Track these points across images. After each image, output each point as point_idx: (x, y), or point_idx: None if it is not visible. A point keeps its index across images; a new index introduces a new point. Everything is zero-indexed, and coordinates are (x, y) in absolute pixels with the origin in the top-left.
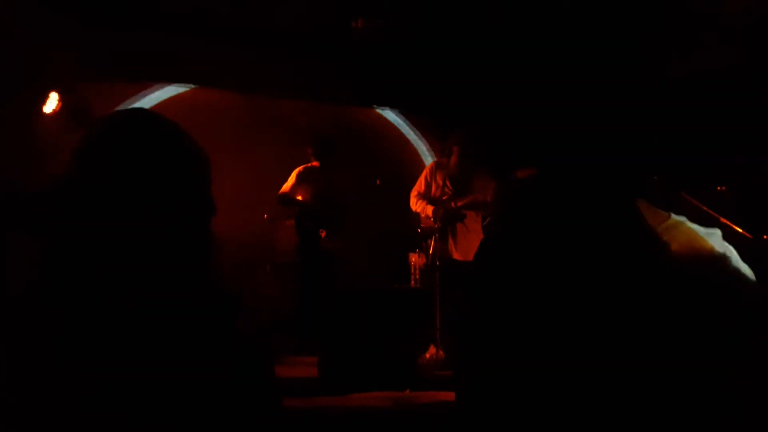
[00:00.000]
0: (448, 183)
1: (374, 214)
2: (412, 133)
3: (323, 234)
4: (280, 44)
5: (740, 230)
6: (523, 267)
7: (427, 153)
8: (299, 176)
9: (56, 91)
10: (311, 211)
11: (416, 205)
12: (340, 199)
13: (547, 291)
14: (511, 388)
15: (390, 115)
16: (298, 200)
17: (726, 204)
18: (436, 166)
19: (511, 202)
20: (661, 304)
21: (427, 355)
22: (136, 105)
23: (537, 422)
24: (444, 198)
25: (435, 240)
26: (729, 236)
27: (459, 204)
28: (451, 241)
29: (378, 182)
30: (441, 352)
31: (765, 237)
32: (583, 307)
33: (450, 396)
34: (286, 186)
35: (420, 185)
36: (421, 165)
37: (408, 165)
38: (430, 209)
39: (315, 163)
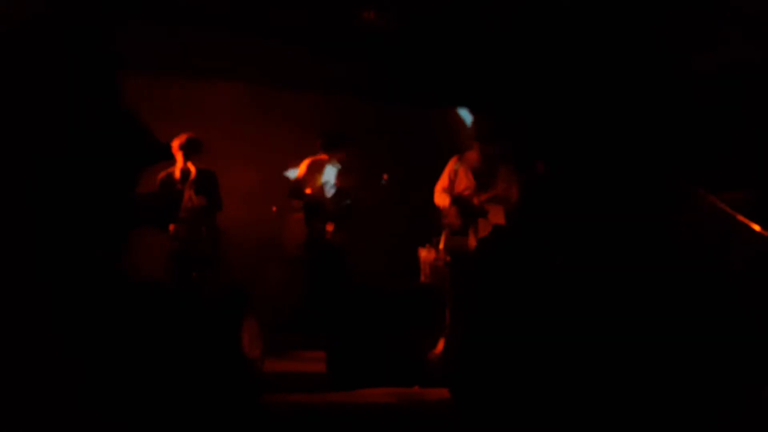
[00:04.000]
0: (471, 177)
1: (384, 208)
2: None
3: (330, 228)
4: (290, 36)
5: (758, 229)
6: (530, 260)
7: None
8: (309, 168)
9: None
10: (319, 204)
11: (440, 200)
12: (349, 192)
13: (554, 285)
14: (512, 379)
15: None
16: (307, 194)
17: (744, 202)
18: (460, 160)
19: (529, 195)
20: (674, 304)
21: (437, 352)
22: None
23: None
24: (467, 193)
25: (446, 235)
26: (747, 235)
27: (482, 198)
28: (472, 237)
29: (385, 177)
30: None
31: None
32: (590, 303)
33: None
34: (297, 177)
35: (444, 180)
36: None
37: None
38: (452, 207)
39: (324, 156)
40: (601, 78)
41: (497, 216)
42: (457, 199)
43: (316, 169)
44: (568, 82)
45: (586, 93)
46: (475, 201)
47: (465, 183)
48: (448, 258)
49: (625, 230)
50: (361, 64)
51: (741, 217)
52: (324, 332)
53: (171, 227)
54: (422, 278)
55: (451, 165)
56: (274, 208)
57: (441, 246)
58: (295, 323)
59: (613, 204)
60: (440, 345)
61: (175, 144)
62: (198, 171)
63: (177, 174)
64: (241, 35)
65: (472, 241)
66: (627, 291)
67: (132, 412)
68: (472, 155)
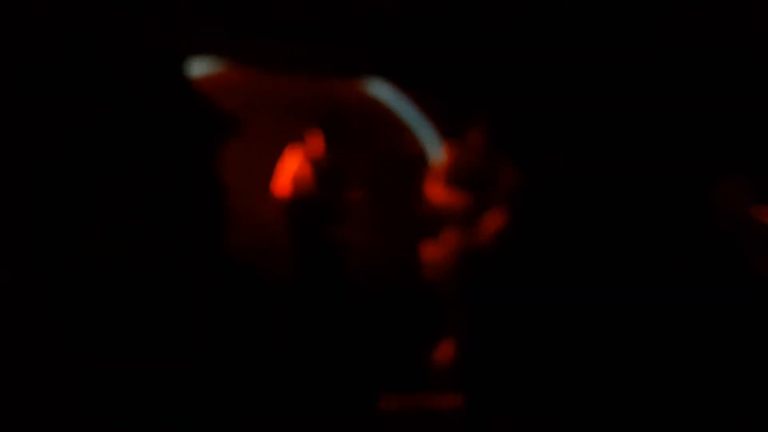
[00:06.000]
0: (467, 169)
1: (385, 203)
2: (412, 115)
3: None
4: (288, 23)
5: None
6: (542, 259)
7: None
8: (301, 162)
9: None
10: (311, 198)
11: (434, 192)
12: (344, 186)
13: (566, 286)
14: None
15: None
16: (299, 190)
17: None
18: (456, 150)
19: (534, 191)
20: (691, 302)
21: (443, 354)
22: None
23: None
24: (462, 185)
25: (449, 231)
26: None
27: (475, 194)
28: (467, 233)
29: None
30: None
31: None
32: (605, 302)
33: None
34: (287, 172)
35: (439, 171)
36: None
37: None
38: (444, 198)
39: (315, 147)
40: (611, 69)
41: (498, 210)
42: (453, 193)
43: (309, 163)
44: (573, 73)
45: (594, 83)
46: (470, 195)
47: (461, 175)
48: (454, 256)
49: (639, 229)
50: (360, 51)
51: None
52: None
53: None
54: (426, 277)
55: (447, 156)
56: (273, 205)
57: (445, 243)
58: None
59: (624, 203)
60: (446, 347)
61: None
62: None
63: None
64: (238, 23)
65: (468, 236)
66: (643, 290)
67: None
68: (469, 147)
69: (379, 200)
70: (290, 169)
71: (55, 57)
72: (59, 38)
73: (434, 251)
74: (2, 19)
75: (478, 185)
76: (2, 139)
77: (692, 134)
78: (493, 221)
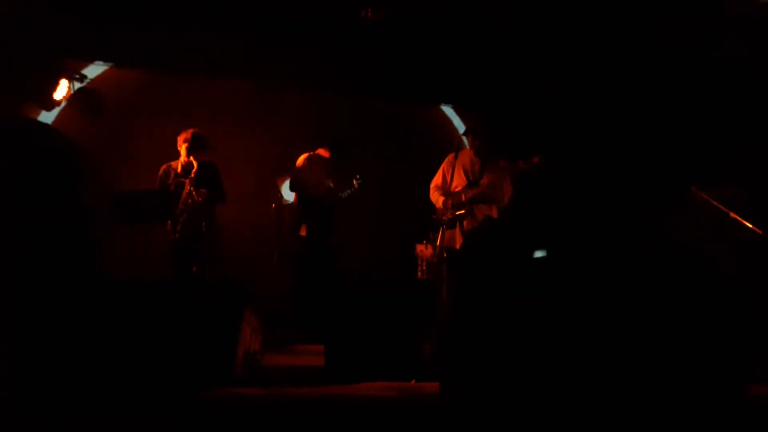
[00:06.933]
0: (463, 174)
1: (381, 205)
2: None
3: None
4: (285, 33)
5: (750, 226)
6: (510, 257)
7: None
8: (308, 163)
9: (66, 79)
10: (315, 199)
11: (433, 196)
12: (343, 191)
13: (531, 280)
14: (496, 378)
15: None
16: (305, 187)
17: (737, 200)
18: (455, 156)
19: (520, 189)
20: (662, 301)
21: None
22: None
23: (526, 413)
24: (458, 189)
25: (442, 231)
26: (739, 232)
27: (468, 195)
28: (458, 233)
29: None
30: None
31: None
32: (568, 300)
33: None
34: (296, 171)
35: (438, 177)
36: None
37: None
38: (441, 201)
39: (323, 153)
40: (596, 74)
41: (489, 213)
42: (448, 196)
43: (314, 165)
44: (561, 79)
45: (580, 88)
46: (463, 198)
47: (457, 180)
48: (444, 254)
49: (616, 228)
50: (357, 61)
51: (733, 214)
52: (319, 327)
53: (169, 222)
54: (419, 274)
55: (446, 162)
56: (273, 205)
57: (438, 242)
58: (290, 318)
59: (605, 201)
60: (436, 338)
61: (180, 138)
62: (200, 164)
63: (179, 168)
64: (241, 33)
65: (459, 237)
66: (616, 287)
67: (129, 406)
68: (467, 152)
69: (381, 198)
70: (300, 170)
71: None
72: None
73: (426, 250)
74: None
75: (464, 189)
76: None
77: (689, 134)
78: (474, 222)
